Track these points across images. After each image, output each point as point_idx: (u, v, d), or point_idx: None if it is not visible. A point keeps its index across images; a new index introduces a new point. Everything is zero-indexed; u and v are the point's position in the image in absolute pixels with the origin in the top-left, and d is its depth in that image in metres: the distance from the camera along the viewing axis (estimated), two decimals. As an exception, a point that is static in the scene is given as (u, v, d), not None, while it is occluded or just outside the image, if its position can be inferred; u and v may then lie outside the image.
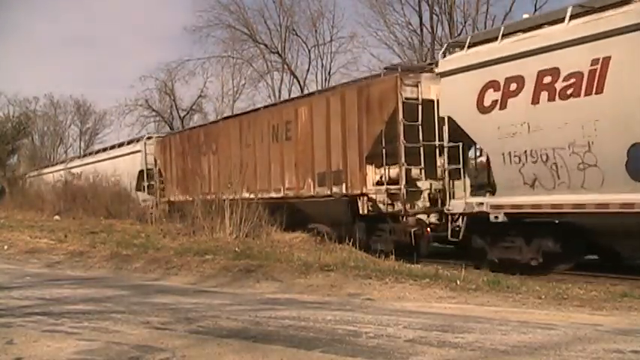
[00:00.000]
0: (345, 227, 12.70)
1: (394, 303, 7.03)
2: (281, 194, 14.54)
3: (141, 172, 21.94)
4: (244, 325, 5.71)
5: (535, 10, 26.65)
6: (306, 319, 5.95)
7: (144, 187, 21.75)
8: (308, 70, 35.34)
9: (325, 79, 34.38)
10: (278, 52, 35.10)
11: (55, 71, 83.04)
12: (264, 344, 4.91)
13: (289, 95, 31.66)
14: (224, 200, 12.85)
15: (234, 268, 9.51)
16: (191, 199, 15.13)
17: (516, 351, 4.58)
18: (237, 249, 10.92)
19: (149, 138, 22.74)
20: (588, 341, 4.87)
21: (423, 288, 7.70)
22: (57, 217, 20.60)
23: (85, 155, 32.27)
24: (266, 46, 35.11)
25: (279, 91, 35.03)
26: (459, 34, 28.25)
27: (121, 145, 25.68)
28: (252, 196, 13.80)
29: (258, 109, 17.49)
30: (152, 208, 20.03)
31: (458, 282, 7.79)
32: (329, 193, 13.09)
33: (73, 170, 27.40)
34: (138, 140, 24.00)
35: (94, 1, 74.09)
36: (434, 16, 29.24)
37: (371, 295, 7.55)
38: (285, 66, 35.14)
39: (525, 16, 10.95)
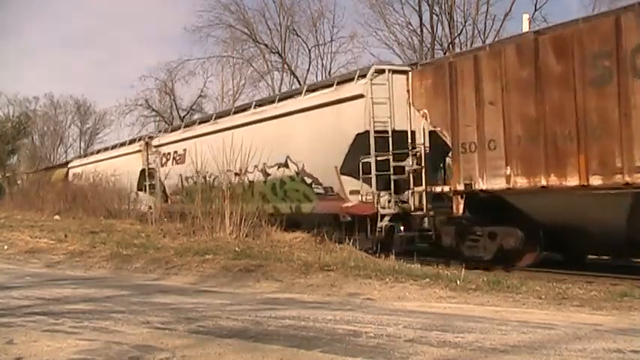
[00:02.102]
0: None
1: (394, 303, 7.02)
2: None
3: (360, 137, 11.83)
4: (244, 325, 5.71)
5: (535, 10, 26.72)
6: (306, 318, 5.95)
7: (363, 166, 11.75)
8: (308, 70, 35.38)
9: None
10: (278, 52, 35.15)
11: (55, 71, 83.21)
12: (264, 344, 4.91)
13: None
14: None
15: (234, 268, 9.51)
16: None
17: (516, 351, 4.58)
18: (237, 249, 10.91)
19: (379, 72, 11.93)
20: (588, 341, 4.87)
21: (423, 288, 7.70)
22: (57, 217, 20.55)
23: (186, 126, 20.55)
24: (266, 46, 35.15)
25: (280, 92, 35.03)
26: (459, 34, 28.33)
27: (284, 96, 15.34)
28: None
29: None
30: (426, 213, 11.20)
31: (458, 282, 7.79)
32: None
33: (164, 149, 19.42)
34: (341, 82, 12.90)
35: (94, 1, 74.18)
36: (434, 16, 29.30)
37: (371, 294, 7.54)
38: (286, 66, 35.18)
39: None
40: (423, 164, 11.13)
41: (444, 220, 11.13)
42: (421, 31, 29.62)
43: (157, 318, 6.09)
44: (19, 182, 33.97)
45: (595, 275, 9.50)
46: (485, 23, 28.39)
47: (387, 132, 11.66)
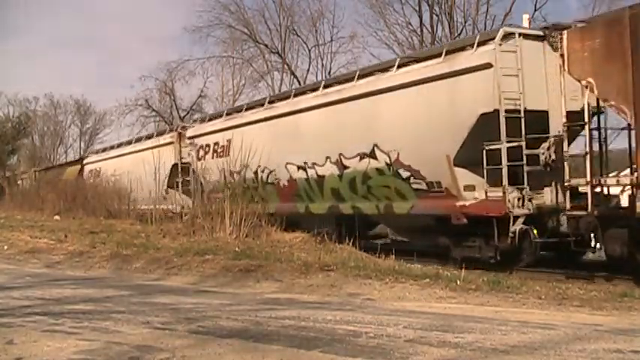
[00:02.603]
0: None
1: (394, 303, 7.03)
2: None
3: (484, 118, 9.74)
4: (244, 325, 5.71)
5: (535, 10, 26.69)
6: (306, 319, 5.95)
7: (488, 154, 9.64)
8: (308, 70, 35.37)
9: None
10: (278, 52, 35.15)
11: (55, 71, 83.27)
12: (264, 344, 4.91)
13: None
14: None
15: (234, 268, 9.51)
16: None
17: (516, 351, 4.58)
18: (237, 249, 10.91)
19: (507, 36, 9.87)
20: (588, 341, 4.87)
21: (423, 288, 7.70)
22: (57, 217, 20.55)
23: (229, 113, 17.38)
24: (266, 46, 35.16)
25: (280, 92, 35.04)
26: (459, 34, 28.31)
27: (365, 72, 12.67)
28: None
29: None
30: None
31: (458, 282, 7.79)
32: None
33: (201, 141, 16.36)
34: (451, 51, 10.67)
35: (94, 1, 74.23)
36: (434, 16, 29.29)
37: (371, 295, 7.54)
38: (285, 66, 35.18)
39: None
40: (588, 150, 8.87)
41: (593, 222, 8.92)
42: (421, 31, 29.63)
43: (157, 318, 6.09)
44: (19, 182, 33.92)
45: (595, 275, 9.50)
46: (485, 23, 28.38)
47: (518, 111, 9.45)
